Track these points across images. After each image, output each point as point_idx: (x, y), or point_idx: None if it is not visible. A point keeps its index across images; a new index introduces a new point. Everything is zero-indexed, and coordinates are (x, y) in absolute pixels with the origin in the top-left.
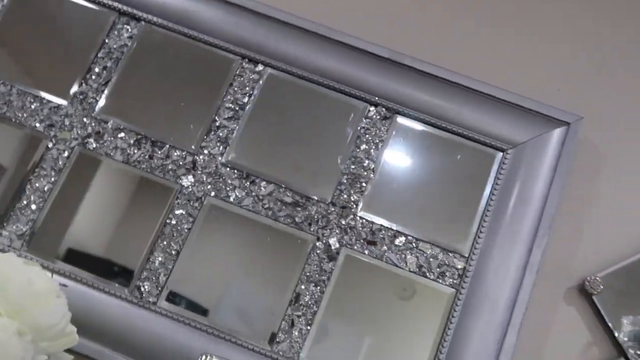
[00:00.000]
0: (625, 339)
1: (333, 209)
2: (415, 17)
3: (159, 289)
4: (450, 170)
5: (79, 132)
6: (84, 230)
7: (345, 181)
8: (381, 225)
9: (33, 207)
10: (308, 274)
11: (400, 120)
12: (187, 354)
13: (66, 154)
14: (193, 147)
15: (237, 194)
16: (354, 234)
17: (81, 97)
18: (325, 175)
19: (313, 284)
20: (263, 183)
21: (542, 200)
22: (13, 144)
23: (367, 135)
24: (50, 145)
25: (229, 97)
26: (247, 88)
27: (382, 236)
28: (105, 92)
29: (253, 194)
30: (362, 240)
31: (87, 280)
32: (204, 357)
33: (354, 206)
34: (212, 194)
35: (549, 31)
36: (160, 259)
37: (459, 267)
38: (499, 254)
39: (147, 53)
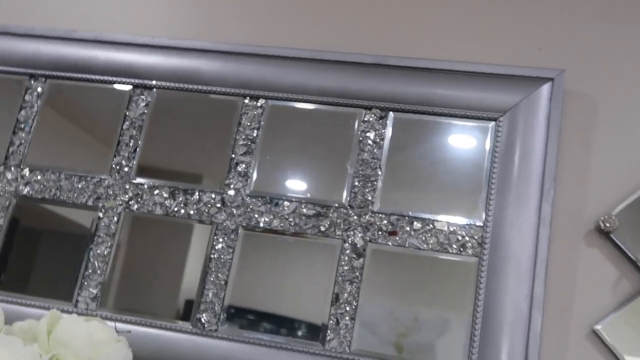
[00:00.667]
0: None
1: (352, 212)
2: (385, 15)
3: (217, 317)
4: (450, 150)
5: (122, 198)
6: (144, 280)
7: (357, 184)
8: (398, 215)
9: (98, 271)
10: (342, 274)
11: (394, 116)
12: None
13: (115, 219)
14: (219, 187)
15: (265, 218)
16: (375, 229)
17: (117, 167)
18: (339, 183)
19: (348, 282)
20: (286, 203)
21: (542, 156)
22: (70, 221)
23: (368, 137)
24: (100, 215)
25: (240, 134)
26: (254, 123)
27: (400, 225)
28: (136, 158)
29: (279, 215)
30: (383, 233)
31: (153, 324)
32: None
33: (371, 204)
34: (244, 223)
35: None
36: (212, 290)
37: (477, 236)
38: (512, 215)
39: (163, 114)
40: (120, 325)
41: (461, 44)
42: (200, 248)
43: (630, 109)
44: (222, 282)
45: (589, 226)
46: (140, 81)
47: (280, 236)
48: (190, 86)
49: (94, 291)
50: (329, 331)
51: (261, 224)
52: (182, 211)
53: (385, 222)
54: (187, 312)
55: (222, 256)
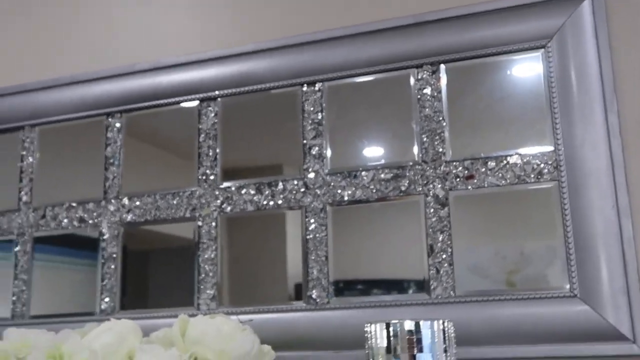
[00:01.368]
0: None
1: (427, 166)
2: None
3: (326, 291)
4: (506, 86)
5: (214, 204)
6: (253, 273)
7: (425, 139)
8: (471, 159)
9: (210, 274)
10: (431, 226)
11: (446, 67)
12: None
13: (213, 224)
14: (299, 173)
15: (348, 191)
16: (452, 177)
17: (204, 177)
18: (408, 142)
19: (439, 232)
20: (363, 173)
21: (598, 70)
22: (174, 235)
23: (426, 94)
24: (200, 223)
25: (306, 120)
26: (317, 106)
27: (475, 168)
28: (218, 164)
29: (360, 185)
30: (461, 179)
31: (270, 309)
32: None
33: (442, 155)
34: (329, 201)
35: None
36: (316, 268)
37: (551, 162)
38: (581, 134)
39: (232, 119)
40: (242, 317)
41: None
42: (296, 232)
43: None
44: (323, 259)
45: None
46: (205, 94)
47: (366, 204)
48: (250, 87)
49: (211, 292)
50: (431, 281)
51: (345, 198)
52: (271, 203)
53: (460, 168)
54: (298, 292)
55: (317, 235)
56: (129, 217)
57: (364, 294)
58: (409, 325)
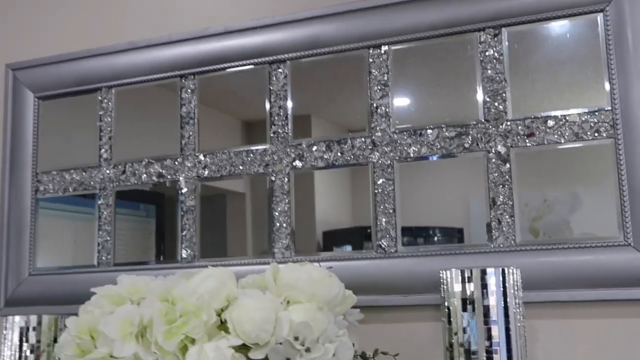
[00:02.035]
0: None
1: (489, 124)
2: None
3: (393, 240)
4: (566, 49)
5: (286, 160)
6: (326, 221)
7: (488, 99)
8: (532, 118)
9: (284, 225)
10: (493, 181)
11: (508, 30)
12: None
13: (286, 179)
14: (367, 132)
15: (414, 148)
16: (513, 134)
17: (275, 135)
18: (472, 102)
19: (501, 186)
20: (429, 131)
21: None
22: (249, 189)
23: (488, 56)
24: (273, 178)
25: (373, 81)
26: (383, 68)
27: (536, 126)
28: (289, 123)
29: (425, 143)
30: (521, 137)
31: (344, 256)
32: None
33: (504, 114)
34: (396, 157)
35: None
36: (384, 219)
37: (608, 120)
38: (637, 94)
39: (301, 80)
40: (323, 264)
41: None
42: (365, 187)
43: None
44: (391, 211)
45: None
46: (275, 57)
47: (430, 161)
48: (318, 50)
49: (285, 242)
50: (494, 231)
51: (411, 154)
52: (340, 159)
53: (520, 127)
54: (368, 241)
55: (384, 189)
56: (206, 173)
57: (429, 243)
58: (480, 271)
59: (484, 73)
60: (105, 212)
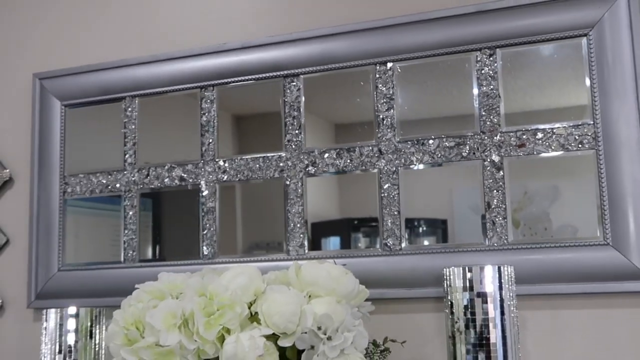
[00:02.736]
0: None
1: (484, 136)
2: None
3: (398, 239)
4: (553, 68)
5: (299, 166)
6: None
7: (484, 113)
8: (523, 130)
9: (298, 225)
10: (488, 186)
11: (502, 51)
12: (435, 273)
13: (300, 184)
14: (374, 141)
15: (417, 156)
16: (506, 145)
17: (289, 144)
18: (468, 116)
19: (495, 190)
20: (430, 141)
21: (631, 56)
22: (265, 192)
23: (484, 73)
24: (287, 182)
25: (379, 95)
26: (389, 83)
27: (526, 137)
28: (302, 133)
29: (427, 151)
30: (513, 147)
31: (354, 254)
32: (445, 269)
33: (498, 126)
34: (401, 165)
35: None
36: (390, 220)
37: (590, 133)
38: (616, 110)
39: (314, 96)
40: (338, 261)
41: None
42: (372, 190)
43: None
44: (396, 213)
45: None
46: (289, 71)
47: (432, 167)
48: (329, 66)
49: (299, 240)
50: (488, 232)
51: (414, 161)
52: (350, 165)
53: (513, 138)
54: (375, 240)
55: (390, 194)
56: (225, 177)
57: (431, 241)
58: (480, 267)
59: (480, 89)
60: (130, 212)
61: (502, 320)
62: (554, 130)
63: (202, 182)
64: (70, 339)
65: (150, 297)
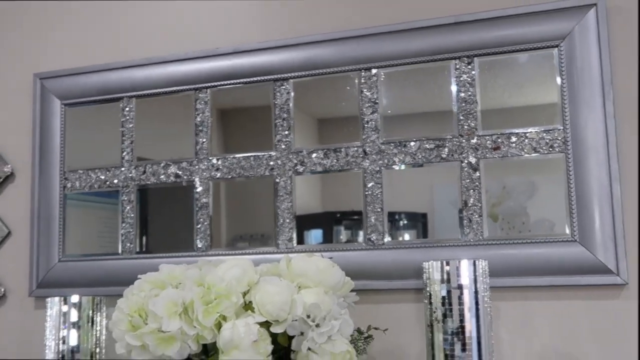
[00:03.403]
0: None
1: (462, 139)
2: None
3: (381, 234)
4: (527, 76)
5: (288, 165)
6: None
7: (461, 117)
8: (498, 134)
9: (287, 220)
10: (465, 186)
11: (479, 59)
12: (415, 266)
13: (289, 181)
14: (359, 142)
15: (399, 157)
16: (482, 147)
17: (278, 144)
18: (447, 119)
19: (472, 190)
20: (412, 143)
21: (599, 67)
22: (255, 189)
23: (462, 80)
24: (277, 180)
25: (364, 99)
26: (373, 88)
27: (501, 140)
28: (292, 133)
29: (408, 152)
30: (489, 150)
31: (340, 247)
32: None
33: (475, 130)
34: (384, 165)
35: None
36: (373, 217)
37: (560, 137)
38: (584, 116)
39: (303, 98)
40: (325, 254)
41: None
42: (356, 188)
43: None
44: (379, 210)
45: None
46: (279, 75)
47: (413, 167)
48: (316, 71)
49: (289, 235)
50: (465, 228)
51: (397, 162)
52: (336, 165)
53: (489, 141)
54: (356, 232)
55: (373, 192)
56: (218, 174)
57: (411, 236)
58: (457, 262)
59: (459, 95)
60: (127, 207)
61: (477, 310)
62: (527, 134)
63: (196, 179)
64: (73, 325)
65: (152, 286)
